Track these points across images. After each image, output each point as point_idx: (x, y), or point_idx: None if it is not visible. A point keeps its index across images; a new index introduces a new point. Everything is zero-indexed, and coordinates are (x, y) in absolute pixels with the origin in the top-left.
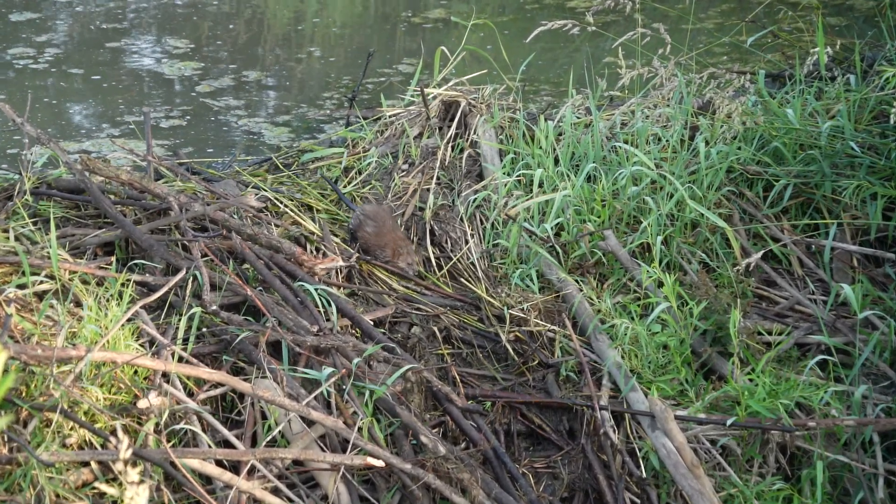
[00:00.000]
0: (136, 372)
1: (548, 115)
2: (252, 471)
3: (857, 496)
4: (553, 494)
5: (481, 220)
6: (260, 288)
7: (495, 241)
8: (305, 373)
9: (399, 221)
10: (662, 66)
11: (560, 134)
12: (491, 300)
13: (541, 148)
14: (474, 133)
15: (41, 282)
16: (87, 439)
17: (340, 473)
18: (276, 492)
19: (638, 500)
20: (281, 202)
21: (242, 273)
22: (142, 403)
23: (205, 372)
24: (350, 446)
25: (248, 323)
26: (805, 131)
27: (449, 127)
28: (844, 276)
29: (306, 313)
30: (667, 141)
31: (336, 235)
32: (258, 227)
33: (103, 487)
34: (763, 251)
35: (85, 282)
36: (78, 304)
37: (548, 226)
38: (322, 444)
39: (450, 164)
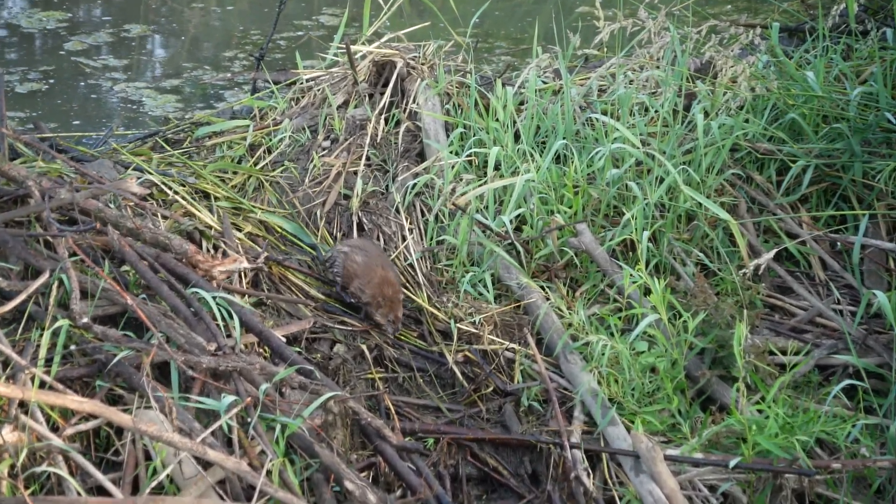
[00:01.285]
0: None
1: (506, 80)
2: None
3: None
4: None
5: (422, 212)
6: (143, 296)
7: (440, 238)
8: (200, 402)
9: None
10: (650, 18)
11: (521, 103)
12: (434, 311)
13: (497, 120)
14: (414, 102)
15: None
16: None
17: None
18: None
19: None
20: (170, 188)
21: (121, 277)
22: None
23: (73, 401)
24: (257, 494)
25: (127, 340)
26: (829, 99)
27: (382, 94)
28: (878, 280)
29: (201, 327)
30: (656, 112)
31: (239, 229)
32: (141, 220)
33: None
34: (776, 250)
35: None
36: None
37: (506, 218)
38: (221, 492)
39: (383, 140)
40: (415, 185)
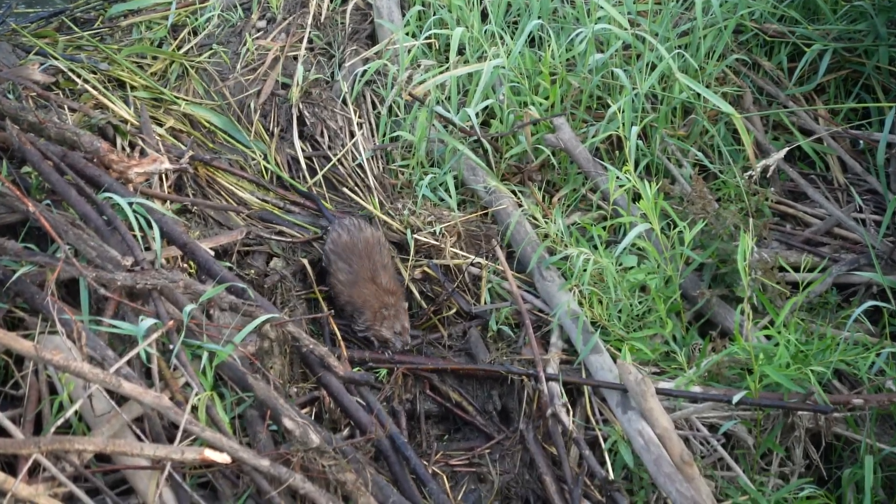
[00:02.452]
0: None
1: None
2: (36, 469)
3: None
4: (478, 503)
5: (373, 103)
6: (48, 202)
7: (394, 134)
8: (114, 326)
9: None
10: None
11: None
12: (387, 220)
13: None
14: None
15: None
16: None
17: (165, 473)
18: (69, 501)
19: None
20: (79, 76)
21: (21, 180)
22: None
23: None
24: (180, 433)
25: (29, 253)
26: None
27: None
28: None
29: (116, 239)
30: None
31: (159, 124)
32: (45, 113)
33: None
34: (787, 148)
35: None
36: None
37: (471, 111)
38: (138, 431)
39: (327, 20)
40: (364, 72)
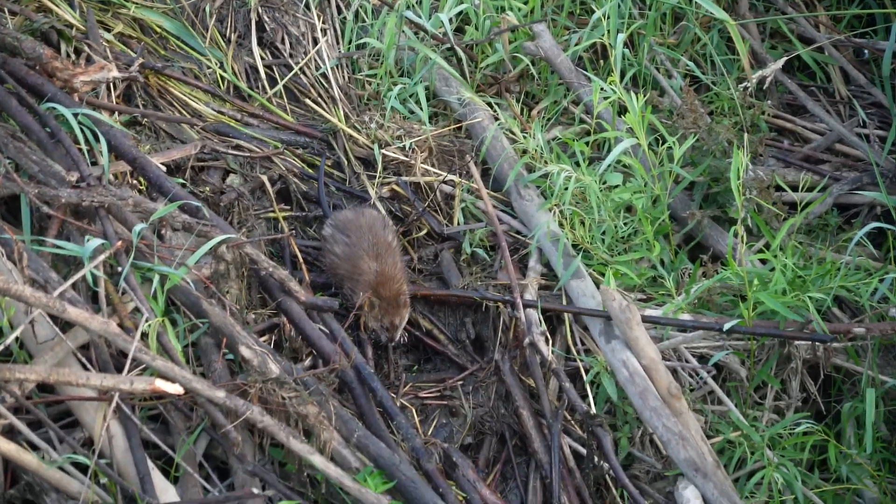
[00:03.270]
0: None
1: None
2: None
3: None
4: (450, 440)
5: (339, 8)
6: None
7: (361, 41)
8: (58, 247)
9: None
10: None
11: None
12: (353, 134)
13: None
14: None
15: None
16: None
17: (113, 405)
18: (9, 433)
19: (582, 449)
20: None
21: None
22: None
23: None
24: (129, 362)
25: None
26: None
27: None
28: None
29: (60, 153)
30: None
31: (107, 29)
32: None
33: None
34: (786, 58)
35: None
36: None
37: (444, 17)
38: (84, 359)
39: None
40: None
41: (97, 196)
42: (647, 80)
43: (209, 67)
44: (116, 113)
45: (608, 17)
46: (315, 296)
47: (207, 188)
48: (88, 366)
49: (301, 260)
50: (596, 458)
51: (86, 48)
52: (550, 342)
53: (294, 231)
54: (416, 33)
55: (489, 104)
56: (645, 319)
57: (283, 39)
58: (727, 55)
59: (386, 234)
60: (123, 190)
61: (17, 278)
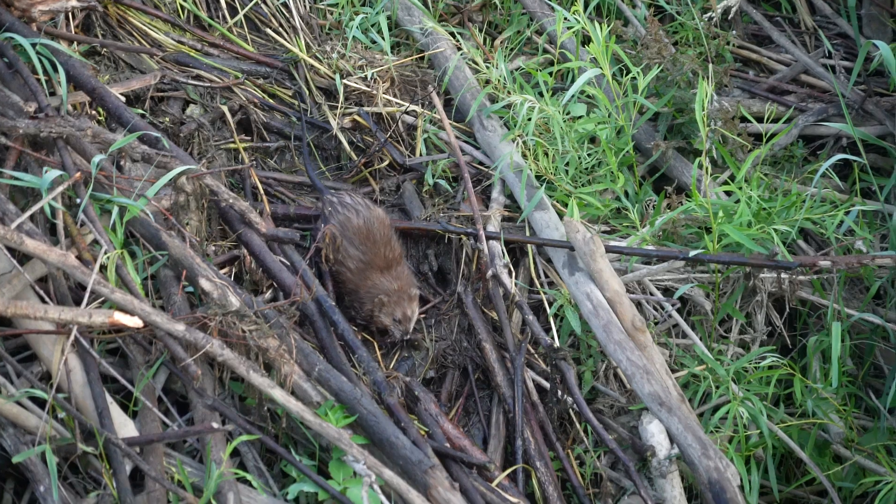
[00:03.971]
0: None
1: None
2: None
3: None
4: (412, 373)
5: None
6: None
7: None
8: (16, 178)
9: None
10: None
11: None
12: (315, 64)
13: None
14: None
15: None
16: None
17: (71, 339)
18: None
19: (545, 383)
20: None
21: None
22: None
23: None
24: (87, 295)
25: None
26: None
27: None
28: (880, 28)
29: (17, 83)
30: None
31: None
32: None
33: None
34: None
35: None
36: None
37: None
38: (42, 292)
39: None
40: None
41: (55, 127)
42: (610, 9)
43: None
44: (75, 43)
45: None
46: (276, 227)
47: (167, 119)
48: (46, 298)
49: (262, 191)
50: (559, 392)
51: None
52: (513, 274)
53: (255, 162)
54: None
55: (452, 34)
56: (609, 251)
57: None
58: None
59: (393, 238)
60: (82, 121)
61: None
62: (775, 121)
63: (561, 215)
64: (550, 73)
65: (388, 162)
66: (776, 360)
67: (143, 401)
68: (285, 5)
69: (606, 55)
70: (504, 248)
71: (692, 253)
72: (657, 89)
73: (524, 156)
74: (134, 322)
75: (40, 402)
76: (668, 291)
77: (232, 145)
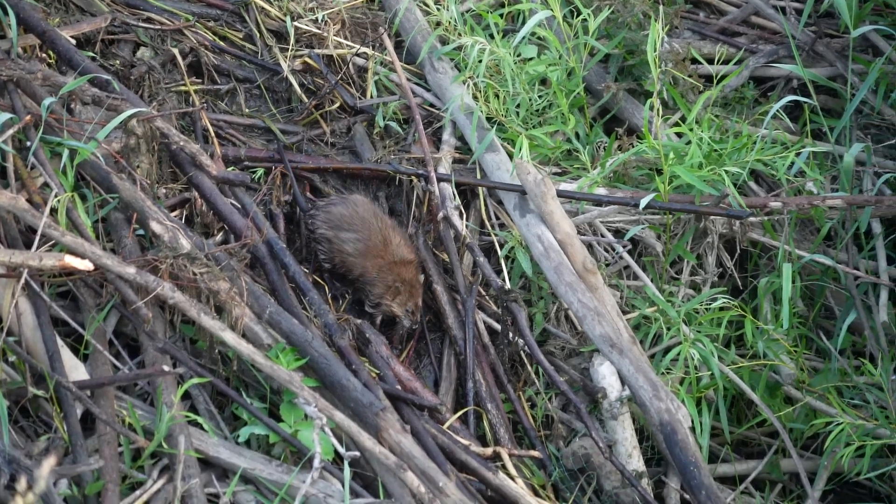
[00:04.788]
0: None
1: None
2: None
3: (846, 318)
4: (363, 315)
5: None
6: None
7: None
8: None
9: None
10: None
11: None
12: (265, 5)
13: None
14: None
15: None
16: None
17: (22, 282)
18: None
19: (497, 325)
20: None
21: None
22: None
23: None
24: (38, 238)
25: None
26: None
27: None
28: None
29: None
30: None
31: None
32: None
33: None
34: None
35: None
36: None
37: None
38: None
39: None
40: None
41: (5, 69)
42: None
43: None
44: None
45: None
46: (226, 170)
47: (118, 61)
48: None
49: (213, 134)
50: (510, 334)
51: None
52: (464, 216)
53: (205, 104)
54: None
55: None
56: (560, 193)
57: None
58: None
59: (384, 217)
60: (32, 63)
61: None
62: (726, 62)
63: (512, 157)
64: (501, 15)
65: (339, 104)
66: (727, 302)
67: (94, 344)
68: None
69: None
70: (455, 190)
71: (643, 201)
72: (608, 31)
73: (475, 98)
74: (84, 265)
75: None
76: (619, 233)
77: (183, 88)
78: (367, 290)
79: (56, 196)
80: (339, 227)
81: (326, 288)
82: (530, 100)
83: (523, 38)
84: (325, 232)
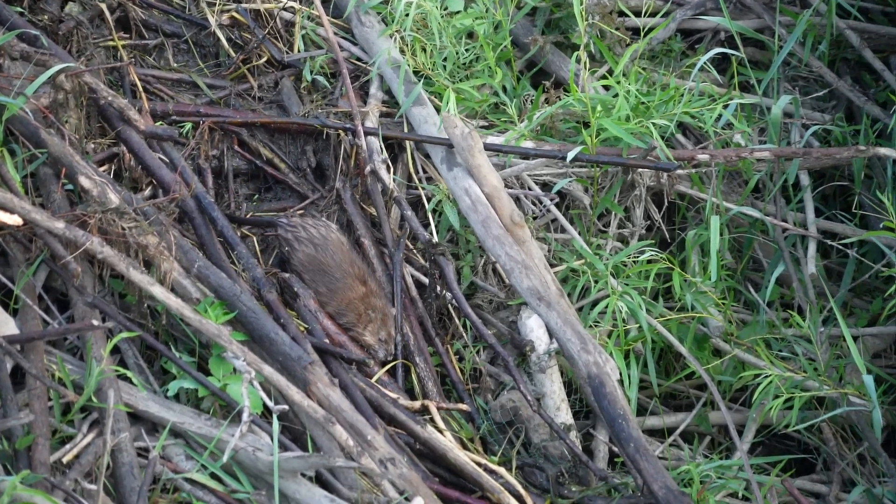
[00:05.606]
0: None
1: None
2: None
3: (774, 270)
4: (291, 268)
5: None
6: None
7: None
8: None
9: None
10: None
11: None
12: None
13: None
14: None
15: None
16: None
17: None
18: None
19: (424, 278)
20: None
21: None
22: None
23: None
24: None
25: None
26: None
27: None
28: None
29: None
30: None
31: None
32: None
33: None
34: None
35: None
36: None
37: None
38: None
39: None
40: None
41: None
42: None
43: None
44: None
45: None
46: (154, 124)
47: (46, 16)
48: None
49: (140, 88)
50: (438, 288)
51: None
52: (392, 170)
53: (133, 59)
54: None
55: None
56: (487, 147)
57: None
58: None
59: (354, 255)
60: None
61: None
62: (653, 15)
63: (439, 111)
64: None
65: (266, 59)
66: (655, 255)
67: (24, 298)
68: None
69: None
70: (382, 144)
71: (570, 154)
72: None
73: (402, 51)
74: (14, 220)
75: None
76: (546, 186)
77: (111, 43)
78: (337, 318)
79: None
80: (316, 269)
81: (255, 241)
82: (457, 53)
83: None
84: (299, 268)
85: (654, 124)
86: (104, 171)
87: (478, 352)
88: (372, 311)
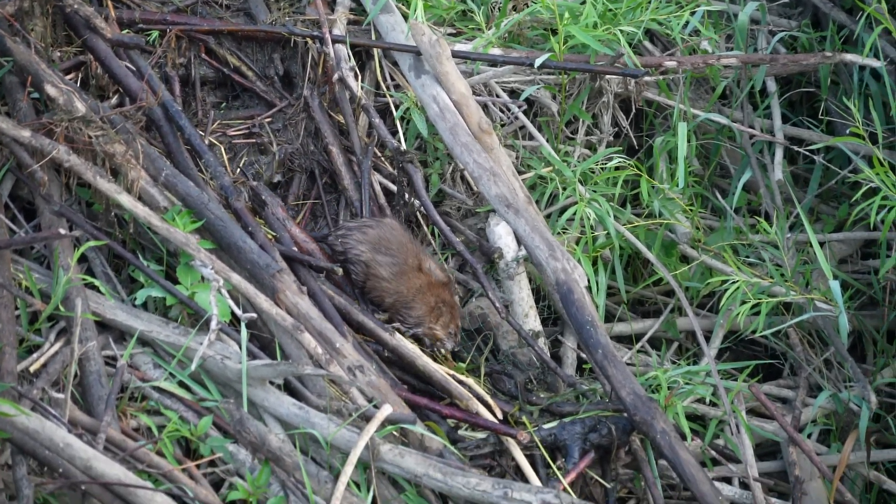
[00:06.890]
0: None
1: None
2: None
3: (742, 176)
4: (259, 177)
5: None
6: None
7: None
8: None
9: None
10: None
11: None
12: None
13: None
14: None
15: None
16: None
17: None
18: None
19: (392, 186)
20: None
21: None
22: None
23: None
24: None
25: None
26: None
27: None
28: None
29: None
30: None
31: None
32: None
33: None
34: None
35: None
36: None
37: None
38: None
39: None
40: None
41: None
42: None
43: None
44: None
45: None
46: (121, 32)
47: None
48: None
49: None
50: (406, 195)
51: None
52: (360, 78)
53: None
54: None
55: None
56: (455, 54)
57: None
58: None
59: (416, 240)
60: None
61: None
62: None
63: (407, 18)
64: None
65: None
66: (623, 161)
67: None
68: None
69: None
70: (350, 52)
71: (538, 60)
72: None
73: None
74: None
75: None
76: (514, 93)
77: None
78: (403, 313)
79: None
80: (377, 250)
81: (223, 150)
82: None
83: None
84: (361, 254)
85: (621, 31)
86: (70, 80)
87: (446, 259)
88: (442, 305)
